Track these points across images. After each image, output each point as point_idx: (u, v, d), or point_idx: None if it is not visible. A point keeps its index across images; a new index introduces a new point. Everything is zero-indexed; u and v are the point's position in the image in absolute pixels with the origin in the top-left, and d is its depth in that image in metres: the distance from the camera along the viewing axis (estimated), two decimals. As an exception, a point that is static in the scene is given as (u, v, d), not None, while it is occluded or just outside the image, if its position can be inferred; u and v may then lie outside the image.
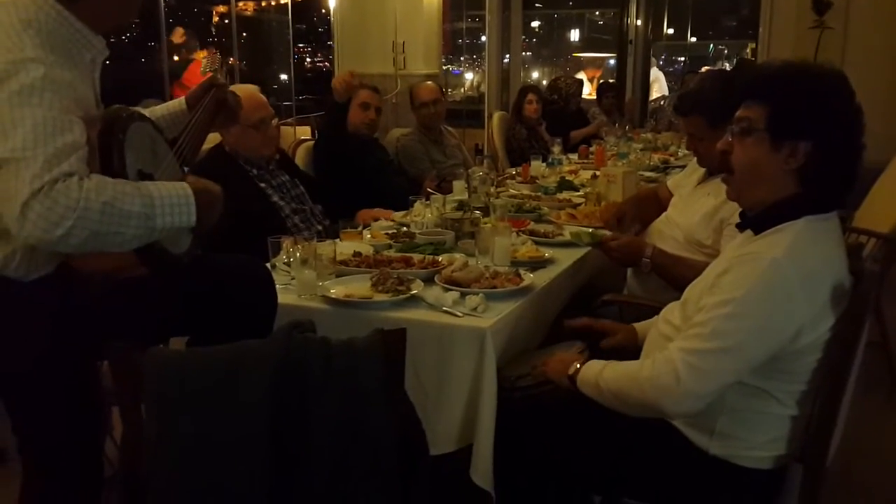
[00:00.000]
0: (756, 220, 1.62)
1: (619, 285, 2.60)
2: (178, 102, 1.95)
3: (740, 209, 1.68)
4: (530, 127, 5.65)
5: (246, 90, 3.09)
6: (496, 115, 5.67)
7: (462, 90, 9.28)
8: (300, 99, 7.69)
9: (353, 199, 3.32)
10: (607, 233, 2.61)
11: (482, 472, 1.74)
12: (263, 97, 3.09)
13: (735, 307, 1.48)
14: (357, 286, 2.04)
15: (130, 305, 1.51)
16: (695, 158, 2.57)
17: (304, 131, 5.55)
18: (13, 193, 1.26)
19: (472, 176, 3.10)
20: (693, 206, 2.42)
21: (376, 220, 3.07)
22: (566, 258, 2.45)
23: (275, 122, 3.14)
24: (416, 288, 1.98)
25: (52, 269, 1.51)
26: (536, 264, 2.32)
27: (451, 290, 1.99)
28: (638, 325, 2.01)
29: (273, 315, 1.71)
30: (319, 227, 3.05)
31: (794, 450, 1.61)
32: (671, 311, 1.76)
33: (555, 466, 1.73)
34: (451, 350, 1.81)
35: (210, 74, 1.92)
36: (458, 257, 2.28)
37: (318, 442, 1.05)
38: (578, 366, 1.69)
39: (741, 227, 1.68)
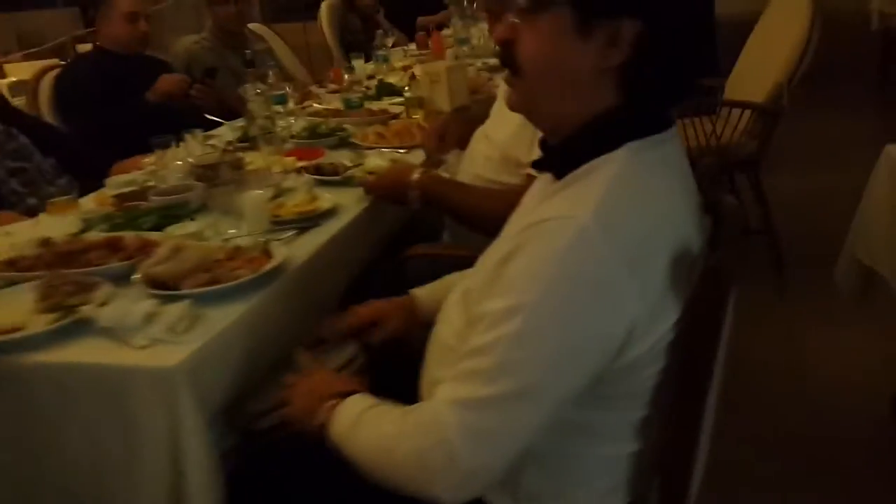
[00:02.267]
0: (556, 157, 1.05)
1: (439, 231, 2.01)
2: None
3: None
4: (366, 16, 4.87)
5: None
6: (324, 5, 4.81)
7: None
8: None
9: (123, 144, 2.55)
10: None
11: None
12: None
13: (528, 319, 0.90)
14: (19, 305, 1.36)
15: None
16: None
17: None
18: None
19: (247, 95, 2.37)
20: (507, 114, 1.80)
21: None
22: (356, 205, 1.83)
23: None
24: (94, 301, 1.32)
25: None
26: (307, 223, 1.69)
27: (155, 295, 1.34)
28: (419, 292, 1.44)
29: None
30: (52, 189, 2.31)
31: (642, 489, 1.09)
32: (456, 302, 1.17)
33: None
34: (131, 406, 1.17)
35: None
36: (185, 233, 1.61)
37: None
38: (334, 404, 1.10)
39: (538, 165, 1.11)
